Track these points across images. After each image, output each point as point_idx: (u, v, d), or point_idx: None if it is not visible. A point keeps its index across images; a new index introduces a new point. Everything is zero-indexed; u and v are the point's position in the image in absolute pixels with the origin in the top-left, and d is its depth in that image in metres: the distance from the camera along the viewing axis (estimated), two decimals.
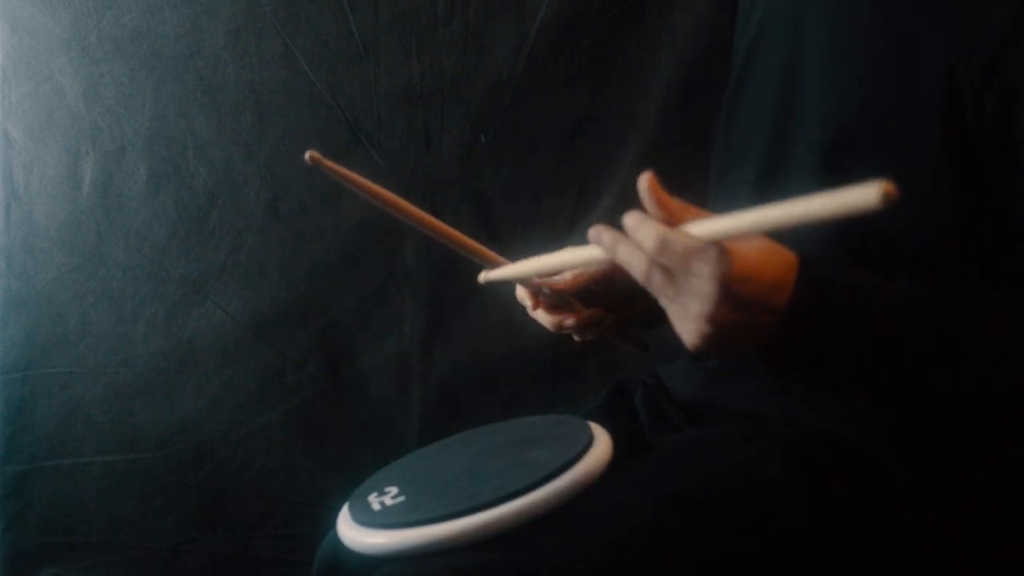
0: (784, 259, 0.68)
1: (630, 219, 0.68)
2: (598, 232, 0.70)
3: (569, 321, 0.92)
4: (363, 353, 1.56)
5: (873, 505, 0.78)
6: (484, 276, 0.89)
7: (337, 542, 0.84)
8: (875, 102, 0.79)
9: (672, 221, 0.67)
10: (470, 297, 1.54)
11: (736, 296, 0.65)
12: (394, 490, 0.84)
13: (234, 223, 1.54)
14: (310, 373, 1.56)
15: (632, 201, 1.71)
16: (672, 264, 0.65)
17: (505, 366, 1.54)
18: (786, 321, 0.67)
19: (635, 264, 0.68)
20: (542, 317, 0.93)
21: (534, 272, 0.86)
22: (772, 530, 0.77)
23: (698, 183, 1.08)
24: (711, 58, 1.44)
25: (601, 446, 0.82)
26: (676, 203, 0.68)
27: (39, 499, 1.58)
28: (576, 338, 0.94)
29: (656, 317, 0.84)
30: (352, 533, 0.81)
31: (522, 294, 0.94)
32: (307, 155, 0.75)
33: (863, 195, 0.55)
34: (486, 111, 1.50)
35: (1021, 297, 0.73)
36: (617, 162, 1.51)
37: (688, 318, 0.67)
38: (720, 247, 0.64)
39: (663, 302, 0.69)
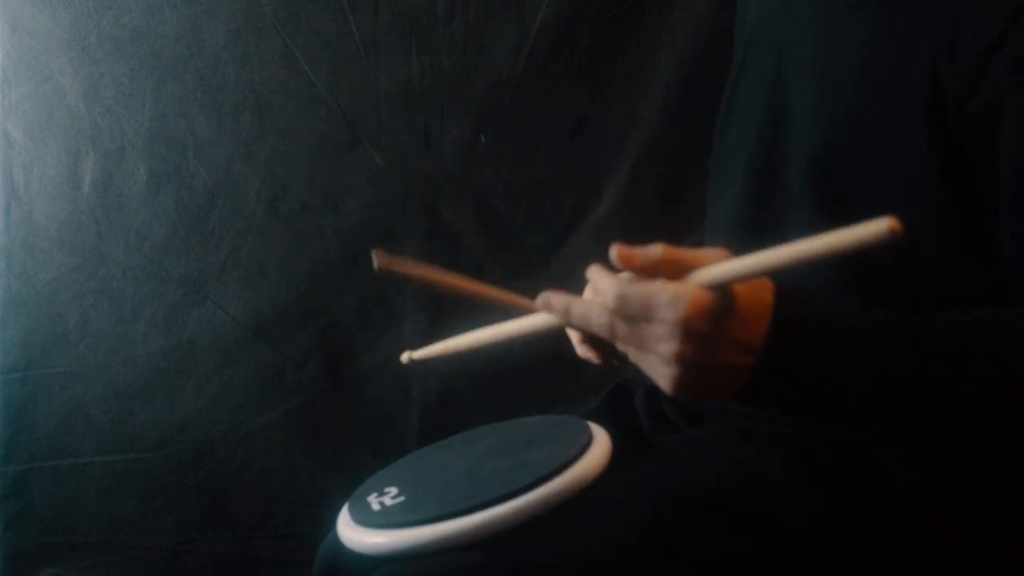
0: (759, 296, 0.67)
1: (592, 272, 0.69)
2: (546, 299, 0.70)
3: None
4: (363, 353, 1.56)
5: (873, 505, 0.78)
6: (408, 356, 0.87)
7: (337, 542, 0.84)
8: (863, 108, 0.78)
9: (664, 273, 0.66)
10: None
11: (702, 335, 0.64)
12: (394, 490, 0.84)
13: (234, 223, 1.54)
14: (310, 373, 1.56)
15: (632, 201, 1.72)
16: (634, 314, 0.65)
17: (505, 366, 1.54)
18: (763, 360, 0.66)
19: (594, 320, 0.68)
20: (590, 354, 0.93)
21: (470, 347, 0.85)
22: (772, 530, 0.77)
23: (698, 183, 1.08)
24: (711, 58, 1.44)
25: (600, 446, 0.82)
26: (658, 254, 0.66)
27: (39, 499, 1.58)
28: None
29: None
30: (352, 533, 0.81)
31: (584, 351, 0.93)
32: (376, 263, 0.73)
33: (871, 231, 0.55)
34: (486, 111, 1.50)
35: (1000, 315, 0.72)
36: (617, 162, 1.51)
37: (658, 363, 0.67)
38: (676, 289, 0.63)
39: (631, 353, 0.68)
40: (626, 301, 0.65)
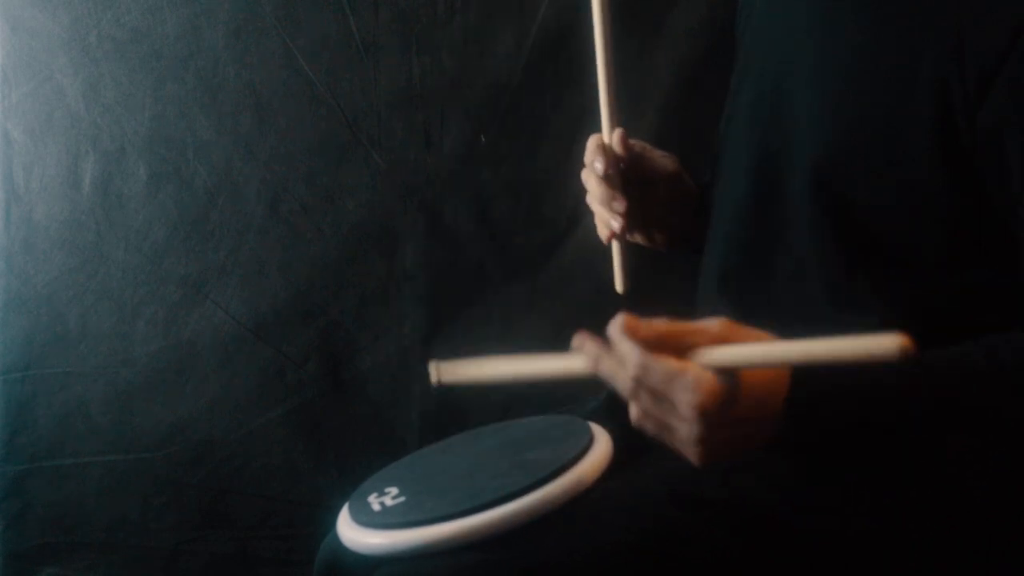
0: (773, 372, 0.68)
1: (614, 332, 0.68)
2: (582, 341, 0.70)
3: (619, 204, 0.94)
4: (363, 353, 1.56)
5: (873, 505, 0.79)
6: (438, 376, 0.80)
7: (337, 542, 0.84)
8: (865, 113, 0.78)
9: (668, 346, 0.66)
10: (470, 297, 1.55)
11: (722, 417, 0.65)
12: (394, 490, 0.84)
13: (234, 223, 1.54)
14: (310, 373, 1.56)
15: None
16: (655, 387, 0.66)
17: None
18: (785, 425, 0.68)
19: (619, 381, 0.68)
20: (597, 192, 0.96)
21: (501, 376, 0.81)
22: (772, 530, 0.77)
23: (698, 183, 1.08)
24: (711, 58, 1.44)
25: (601, 446, 0.83)
26: (662, 329, 0.67)
27: (39, 499, 1.58)
28: (615, 227, 0.97)
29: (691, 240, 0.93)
30: (352, 533, 0.81)
31: (592, 157, 0.97)
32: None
33: (882, 345, 0.56)
34: (486, 111, 1.50)
35: (1004, 341, 0.73)
36: None
37: (681, 443, 0.68)
38: (696, 374, 0.64)
39: (651, 424, 0.69)
40: (647, 373, 0.66)
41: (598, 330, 0.74)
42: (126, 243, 1.54)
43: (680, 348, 0.66)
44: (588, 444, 0.82)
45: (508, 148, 1.52)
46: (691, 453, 0.68)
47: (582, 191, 1.56)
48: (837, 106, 0.80)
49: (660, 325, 0.67)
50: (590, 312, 1.11)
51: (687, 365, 0.65)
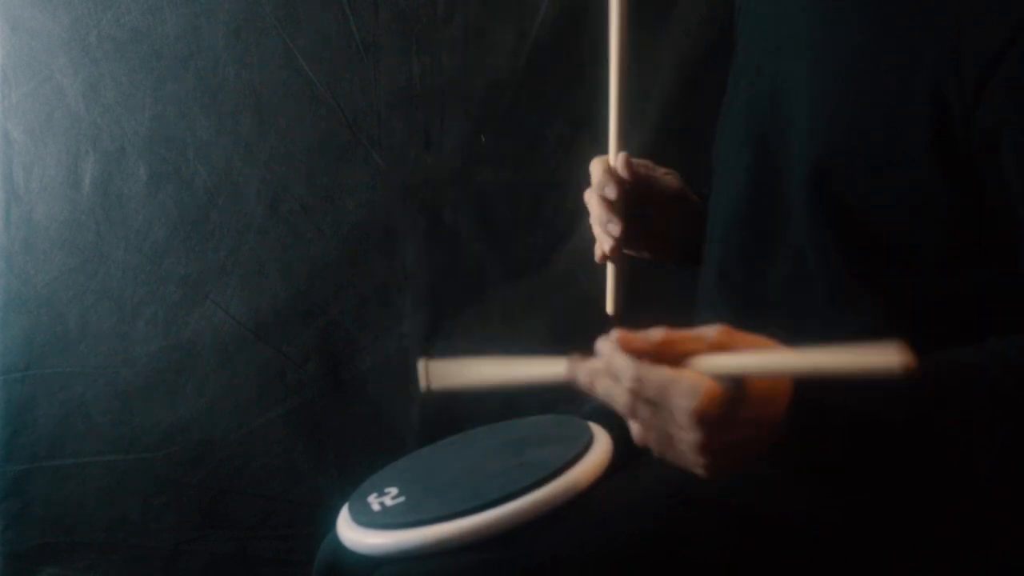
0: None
1: (606, 348, 0.67)
2: (572, 367, 0.69)
3: (614, 228, 0.94)
4: (363, 353, 1.56)
5: (872, 505, 0.79)
6: (428, 380, 0.81)
7: (337, 543, 0.84)
8: (863, 117, 0.78)
9: (665, 356, 0.65)
10: (470, 297, 1.55)
11: (722, 421, 0.64)
12: (394, 490, 0.84)
13: (234, 223, 1.54)
14: (310, 373, 1.56)
15: None
16: (651, 398, 0.65)
17: None
18: (786, 428, 0.67)
19: (617, 397, 0.67)
20: (597, 214, 0.95)
21: (492, 381, 0.81)
22: (771, 530, 0.77)
23: (698, 183, 1.08)
24: (711, 57, 1.44)
25: (601, 446, 0.83)
26: (658, 338, 0.66)
27: (39, 499, 1.58)
28: (606, 249, 0.96)
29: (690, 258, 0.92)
30: (352, 534, 0.81)
31: (601, 182, 0.96)
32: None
33: (884, 359, 0.55)
34: (486, 111, 1.50)
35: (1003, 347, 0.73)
36: None
37: (684, 453, 0.66)
38: (691, 379, 0.63)
39: (654, 441, 0.68)
40: (643, 384, 0.64)
41: (598, 333, 0.74)
42: (126, 243, 1.54)
43: (677, 357, 0.65)
44: (588, 444, 0.82)
45: (508, 148, 1.52)
46: (695, 463, 0.67)
47: (582, 193, 1.56)
48: (837, 106, 0.80)
49: (655, 335, 0.66)
50: (590, 313, 1.11)
51: (682, 372, 0.64)
